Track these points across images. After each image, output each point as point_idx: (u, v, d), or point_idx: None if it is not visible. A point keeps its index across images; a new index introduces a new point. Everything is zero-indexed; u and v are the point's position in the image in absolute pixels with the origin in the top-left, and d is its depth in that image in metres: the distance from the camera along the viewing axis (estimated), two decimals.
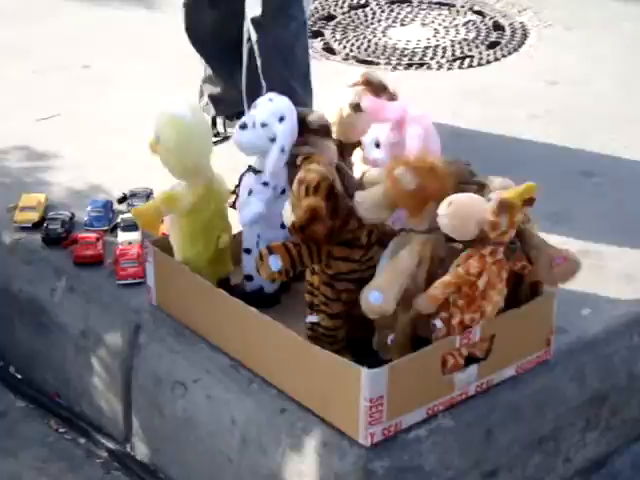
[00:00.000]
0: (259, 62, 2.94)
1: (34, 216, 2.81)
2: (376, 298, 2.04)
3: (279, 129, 2.26)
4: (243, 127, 2.29)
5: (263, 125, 2.28)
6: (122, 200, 2.86)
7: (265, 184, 2.31)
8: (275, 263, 2.11)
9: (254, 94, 2.70)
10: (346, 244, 2.15)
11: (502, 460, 2.25)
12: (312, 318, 2.22)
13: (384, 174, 2.10)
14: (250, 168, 2.34)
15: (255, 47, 2.95)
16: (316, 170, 2.12)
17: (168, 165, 2.35)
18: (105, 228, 2.75)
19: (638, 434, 2.54)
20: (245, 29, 2.99)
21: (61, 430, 2.62)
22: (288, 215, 2.12)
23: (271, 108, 2.29)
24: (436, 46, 4.08)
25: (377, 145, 2.35)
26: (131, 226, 2.67)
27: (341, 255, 2.15)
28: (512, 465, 2.27)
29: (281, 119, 2.27)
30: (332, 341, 2.19)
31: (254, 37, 2.94)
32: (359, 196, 2.11)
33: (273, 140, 2.27)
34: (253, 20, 2.92)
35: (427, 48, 4.07)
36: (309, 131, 2.31)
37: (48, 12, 4.14)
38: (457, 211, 2.03)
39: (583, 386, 2.38)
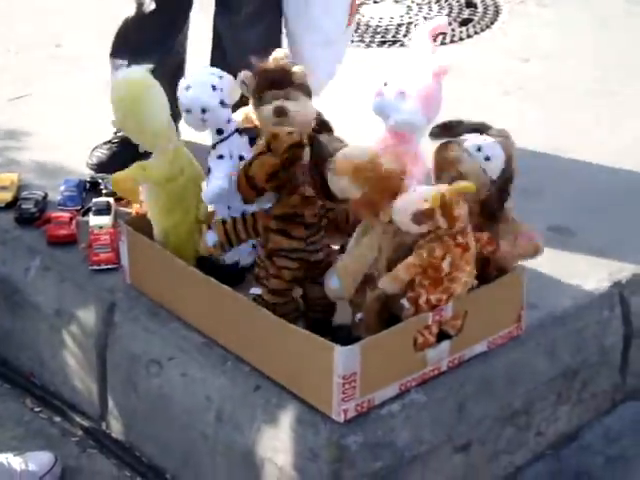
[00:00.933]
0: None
1: (7, 196, 2.81)
2: (335, 283, 2.09)
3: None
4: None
5: (187, 111, 2.30)
6: (93, 186, 2.85)
7: (221, 157, 2.31)
8: (211, 238, 2.19)
9: None
10: (284, 218, 2.14)
11: (474, 434, 2.27)
12: (255, 290, 2.26)
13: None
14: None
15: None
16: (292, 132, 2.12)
17: (126, 129, 2.38)
18: (78, 208, 2.76)
19: (609, 407, 2.58)
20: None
21: (36, 409, 2.62)
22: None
23: (189, 96, 2.30)
24: (409, 23, 4.10)
25: (385, 84, 2.28)
26: (103, 210, 2.67)
27: (278, 228, 2.15)
28: (484, 439, 2.30)
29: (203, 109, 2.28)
30: None
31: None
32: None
33: (204, 111, 2.27)
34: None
35: (400, 25, 4.08)
36: (292, 85, 2.27)
37: None
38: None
39: (554, 361, 2.41)
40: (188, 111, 2.29)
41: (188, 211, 2.39)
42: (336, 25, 2.91)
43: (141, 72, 2.36)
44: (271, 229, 2.16)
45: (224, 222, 2.20)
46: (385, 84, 2.29)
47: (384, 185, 2.04)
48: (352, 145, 2.15)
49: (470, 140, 2.18)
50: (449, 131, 2.22)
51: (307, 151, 2.13)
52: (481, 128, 2.22)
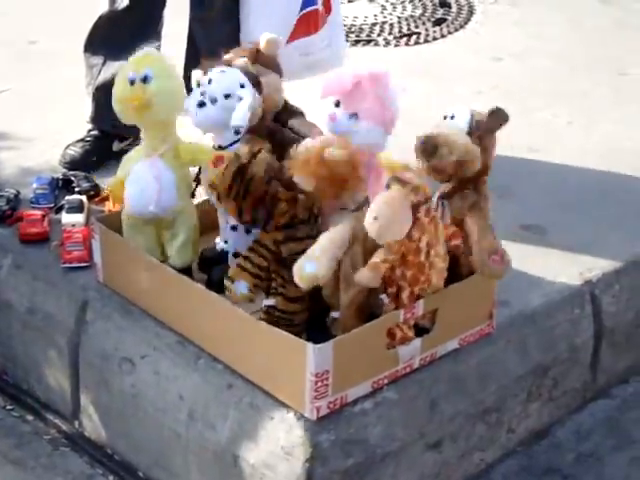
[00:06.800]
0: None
1: None
2: (311, 267, 2.04)
3: (244, 92, 2.24)
4: (202, 105, 2.25)
5: (226, 96, 2.25)
6: (66, 184, 2.85)
7: None
8: (242, 287, 2.15)
9: None
10: (285, 226, 2.15)
11: (446, 431, 2.28)
12: (268, 301, 2.22)
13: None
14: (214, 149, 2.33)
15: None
16: (237, 151, 2.13)
17: (146, 111, 2.28)
18: (51, 205, 2.75)
19: (579, 404, 2.60)
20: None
21: (8, 407, 2.61)
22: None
23: (229, 78, 2.27)
24: (383, 23, 4.11)
25: (337, 104, 2.24)
26: (76, 208, 2.67)
27: (285, 237, 2.16)
28: (456, 436, 2.31)
29: (242, 86, 2.26)
30: (289, 324, 2.19)
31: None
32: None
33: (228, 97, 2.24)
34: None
35: (374, 25, 4.09)
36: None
37: None
38: (385, 224, 2.04)
39: (525, 358, 2.42)
40: (227, 96, 2.24)
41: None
42: None
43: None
44: (280, 241, 2.16)
45: (242, 267, 2.15)
46: (337, 105, 2.25)
47: (334, 175, 2.05)
48: (305, 141, 2.14)
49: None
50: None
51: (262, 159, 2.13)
52: None
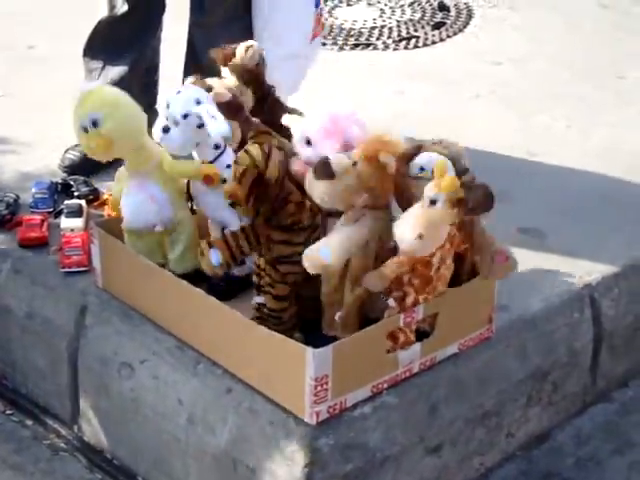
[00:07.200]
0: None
1: None
2: (325, 254, 2.03)
3: (201, 108, 2.19)
4: (166, 130, 2.21)
5: (185, 116, 2.20)
6: (65, 188, 2.84)
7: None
8: (215, 257, 2.14)
9: None
10: (285, 228, 2.15)
11: (446, 435, 2.28)
12: (258, 299, 2.24)
13: (357, 160, 2.06)
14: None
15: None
16: (250, 154, 2.08)
17: (112, 150, 2.28)
18: (50, 210, 2.75)
19: (579, 409, 2.60)
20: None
21: (8, 412, 2.61)
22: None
23: (183, 97, 2.22)
24: (382, 26, 4.12)
25: (308, 142, 2.20)
26: (75, 212, 2.67)
27: (281, 239, 2.16)
28: (456, 440, 2.31)
29: (198, 102, 2.20)
30: (278, 322, 2.21)
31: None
32: (317, 194, 2.08)
33: (201, 126, 2.19)
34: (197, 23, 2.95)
35: (373, 28, 4.10)
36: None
37: None
38: (430, 243, 2.04)
39: (525, 362, 2.42)
40: (185, 115, 2.19)
41: None
42: (299, 39, 2.88)
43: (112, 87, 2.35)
44: (274, 240, 2.16)
45: (225, 239, 2.16)
46: (308, 142, 2.20)
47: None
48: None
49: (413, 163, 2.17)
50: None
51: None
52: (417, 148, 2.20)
